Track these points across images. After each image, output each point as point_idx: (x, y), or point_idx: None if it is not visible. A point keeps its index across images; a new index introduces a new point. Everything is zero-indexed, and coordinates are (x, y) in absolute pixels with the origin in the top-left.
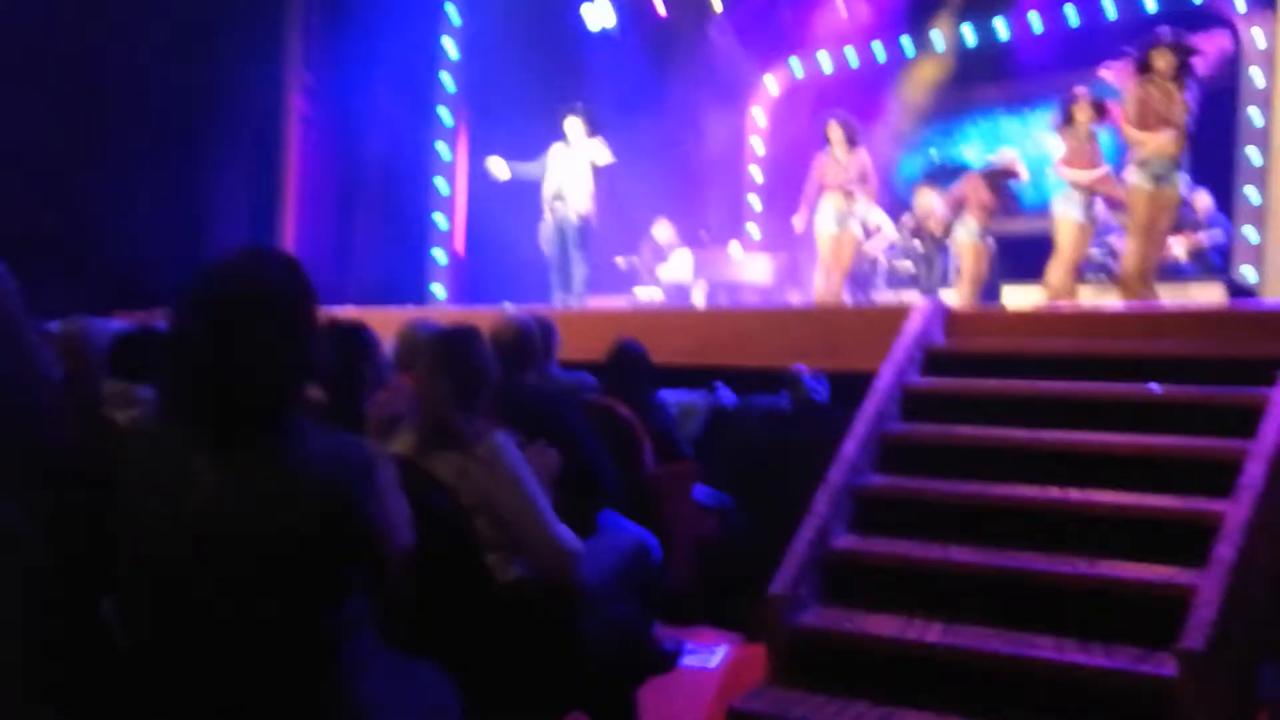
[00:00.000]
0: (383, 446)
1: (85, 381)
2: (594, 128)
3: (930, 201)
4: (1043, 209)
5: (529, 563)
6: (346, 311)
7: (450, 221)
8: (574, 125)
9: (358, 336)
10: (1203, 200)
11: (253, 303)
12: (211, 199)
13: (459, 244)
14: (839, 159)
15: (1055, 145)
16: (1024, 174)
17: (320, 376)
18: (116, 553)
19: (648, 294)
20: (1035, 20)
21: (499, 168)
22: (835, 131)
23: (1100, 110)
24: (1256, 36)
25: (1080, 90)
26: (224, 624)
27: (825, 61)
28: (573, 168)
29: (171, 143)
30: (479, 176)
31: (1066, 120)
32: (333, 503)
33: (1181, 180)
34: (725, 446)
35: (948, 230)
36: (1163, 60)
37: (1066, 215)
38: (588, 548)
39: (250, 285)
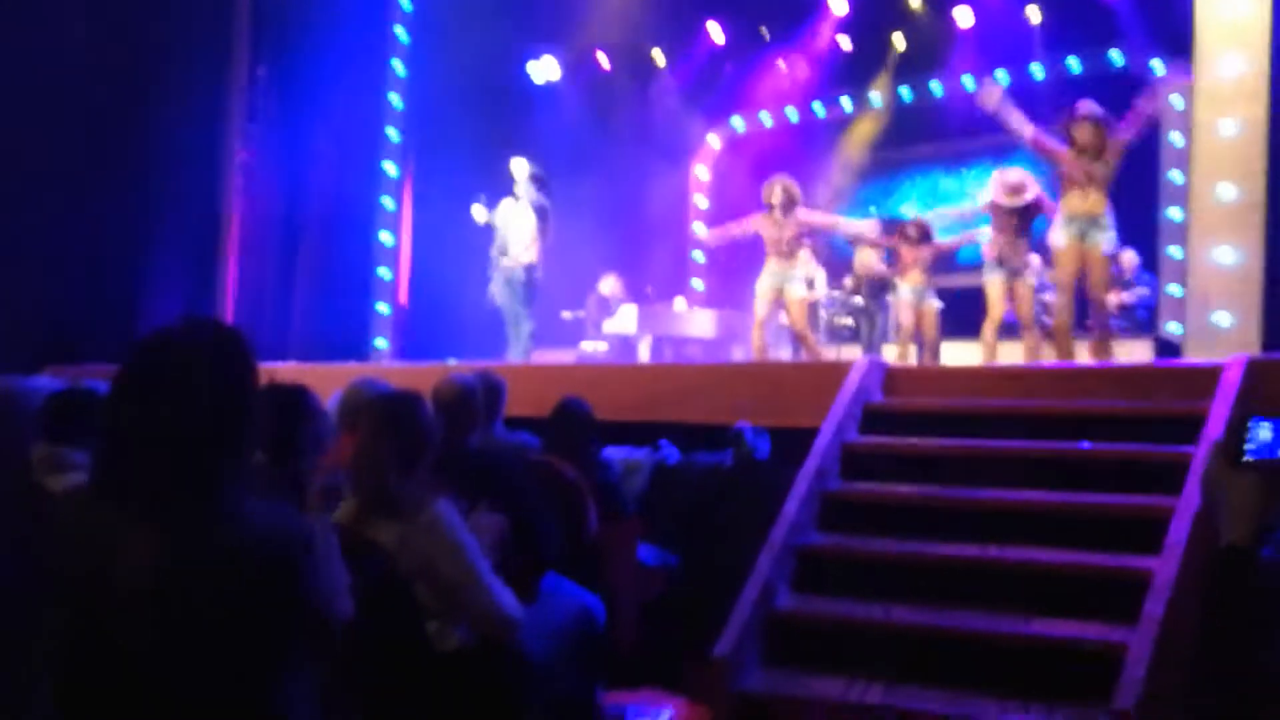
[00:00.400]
0: (323, 512)
1: (14, 445)
2: (540, 181)
3: (870, 259)
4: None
5: (471, 630)
6: (288, 368)
7: (394, 274)
8: (520, 173)
9: (298, 400)
10: (1129, 258)
11: (188, 374)
12: (149, 251)
13: (403, 296)
14: (777, 220)
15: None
16: (923, 216)
17: (260, 440)
18: (45, 627)
19: (593, 348)
20: (968, 81)
21: (480, 213)
22: (775, 195)
23: (1035, 207)
24: (1175, 100)
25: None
26: (162, 701)
27: (766, 118)
28: (519, 221)
29: (108, 193)
30: (423, 228)
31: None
32: (272, 575)
33: (1107, 239)
34: (669, 504)
35: (887, 287)
36: (1082, 133)
37: (991, 273)
38: (531, 615)
39: (186, 356)
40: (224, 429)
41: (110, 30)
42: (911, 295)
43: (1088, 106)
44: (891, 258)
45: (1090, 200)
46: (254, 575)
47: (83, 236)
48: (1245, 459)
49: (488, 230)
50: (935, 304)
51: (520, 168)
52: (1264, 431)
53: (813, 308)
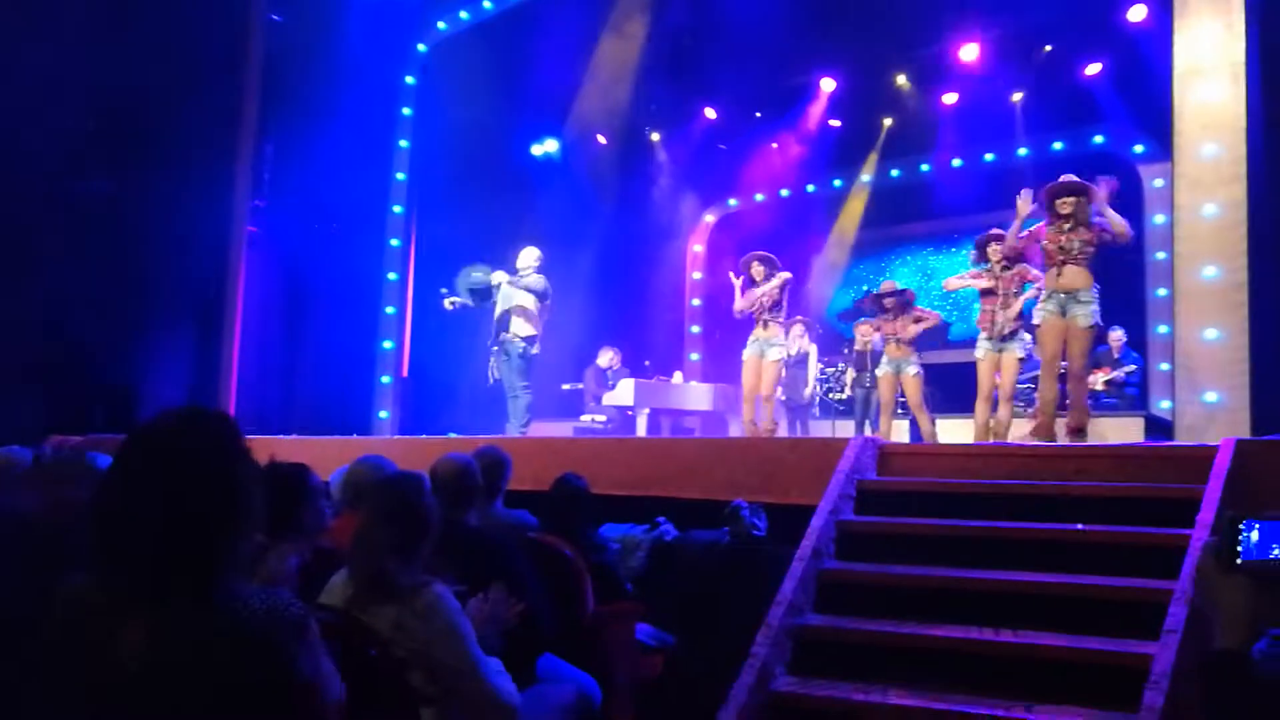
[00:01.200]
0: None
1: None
2: (539, 262)
3: (868, 335)
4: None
5: (466, 717)
6: (291, 441)
7: (397, 345)
8: (528, 260)
9: (298, 480)
10: (1116, 336)
11: (182, 467)
12: (154, 322)
13: (405, 368)
14: (756, 292)
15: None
16: (909, 292)
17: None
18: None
19: (591, 420)
20: (956, 161)
21: (449, 303)
22: (756, 267)
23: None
24: (1157, 182)
25: (995, 231)
26: None
27: (760, 196)
28: (518, 297)
29: (115, 266)
30: (425, 300)
31: (981, 256)
32: (266, 662)
33: (1093, 314)
34: (666, 582)
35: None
36: (1063, 206)
37: (981, 348)
38: (527, 698)
39: (180, 450)
40: (215, 517)
41: (121, 104)
42: (890, 368)
43: (1068, 179)
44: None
45: (1068, 275)
46: (245, 660)
47: (89, 308)
48: (1238, 562)
49: (489, 304)
50: (913, 370)
51: (529, 256)
52: (1257, 535)
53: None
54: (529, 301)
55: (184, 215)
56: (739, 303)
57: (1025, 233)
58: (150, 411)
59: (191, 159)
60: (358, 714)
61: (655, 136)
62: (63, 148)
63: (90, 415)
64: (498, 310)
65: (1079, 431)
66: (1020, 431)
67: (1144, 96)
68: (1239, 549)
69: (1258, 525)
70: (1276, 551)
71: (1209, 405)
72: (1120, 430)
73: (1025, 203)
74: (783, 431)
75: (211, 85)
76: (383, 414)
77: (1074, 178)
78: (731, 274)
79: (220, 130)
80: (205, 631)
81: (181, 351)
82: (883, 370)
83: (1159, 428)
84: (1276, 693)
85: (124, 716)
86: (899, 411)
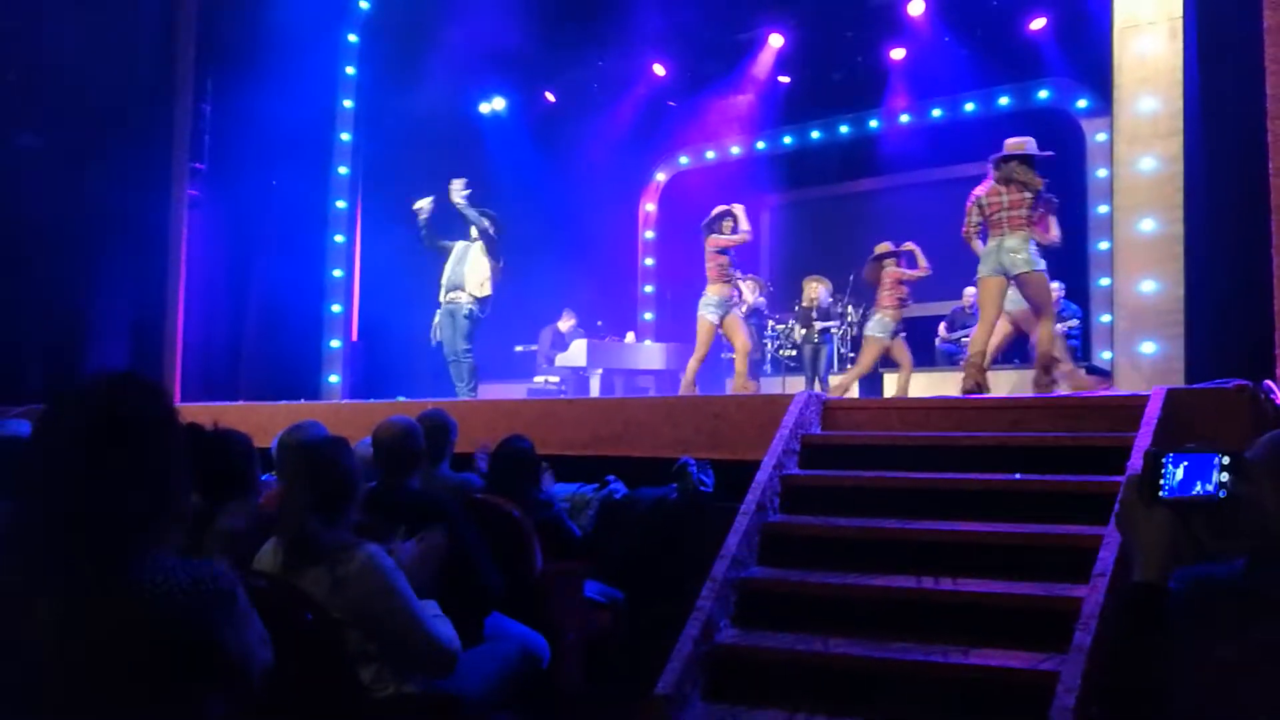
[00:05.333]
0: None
1: None
2: (495, 225)
3: (816, 291)
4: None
5: (408, 669)
6: (238, 408)
7: (346, 309)
8: (458, 192)
9: (234, 445)
10: (1054, 288)
11: (106, 433)
12: (94, 288)
13: (354, 332)
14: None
15: None
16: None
17: (196, 486)
18: None
19: (545, 381)
20: (904, 117)
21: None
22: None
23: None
24: (1100, 136)
25: None
26: None
27: (710, 154)
28: (472, 258)
29: (53, 231)
30: (373, 263)
31: None
32: (190, 634)
33: (1022, 259)
34: (615, 540)
35: (830, 318)
36: (1004, 169)
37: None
38: (473, 655)
39: (105, 415)
40: (137, 485)
41: (46, 56)
42: (881, 331)
43: (1008, 147)
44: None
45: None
46: (164, 634)
47: (26, 274)
48: (1159, 496)
49: (438, 265)
50: (900, 341)
51: (458, 188)
52: (1179, 471)
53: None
54: (486, 264)
55: (119, 175)
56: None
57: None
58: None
59: (127, 120)
60: (295, 679)
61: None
62: None
63: (27, 383)
64: (449, 269)
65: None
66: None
67: (1086, 51)
68: (1161, 483)
69: (1183, 462)
70: (1198, 488)
71: (1146, 355)
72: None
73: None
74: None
75: (145, 42)
76: (333, 378)
77: (1020, 140)
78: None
79: (154, 89)
80: (122, 604)
81: (123, 317)
82: (876, 332)
83: (1101, 374)
84: (1191, 624)
85: (37, 691)
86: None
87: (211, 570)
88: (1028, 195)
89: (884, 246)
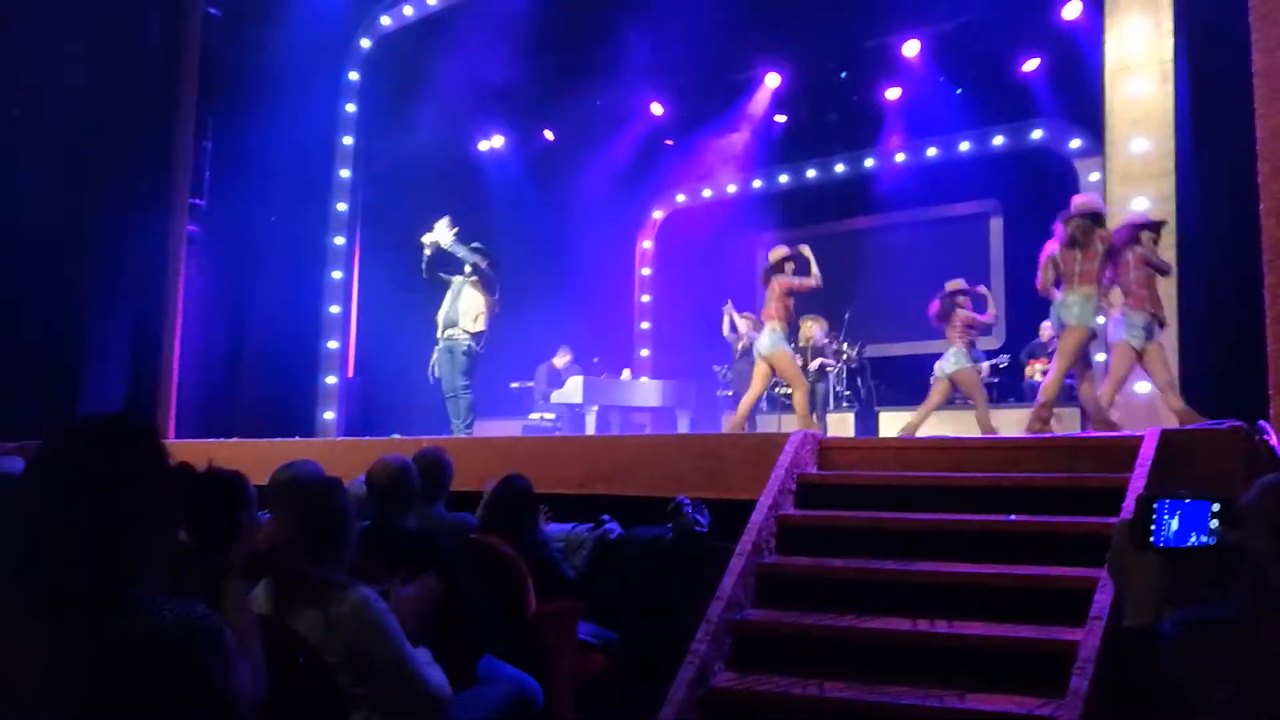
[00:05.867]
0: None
1: None
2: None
3: (812, 330)
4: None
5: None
6: (233, 445)
7: (342, 345)
8: (443, 233)
9: (230, 488)
10: (1045, 327)
11: (95, 476)
12: (91, 323)
13: (350, 369)
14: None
15: None
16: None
17: (190, 526)
18: None
19: (540, 418)
20: (900, 156)
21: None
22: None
23: None
24: (1093, 176)
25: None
26: None
27: (707, 192)
28: (465, 294)
29: (51, 265)
30: (370, 300)
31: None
32: (179, 670)
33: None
34: (610, 580)
35: (825, 356)
36: (1070, 228)
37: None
38: (466, 699)
39: (94, 457)
40: (127, 525)
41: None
42: (960, 363)
43: (1074, 208)
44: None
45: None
46: (154, 671)
47: (23, 310)
48: (1151, 544)
49: (434, 301)
50: (978, 367)
51: (444, 228)
52: (1174, 521)
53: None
54: (480, 300)
55: (120, 213)
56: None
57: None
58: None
59: (128, 156)
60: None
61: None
62: None
63: (23, 419)
64: (446, 305)
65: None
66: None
67: (1078, 92)
68: (1153, 529)
69: (1178, 511)
70: (1192, 539)
71: (1141, 396)
72: (1056, 420)
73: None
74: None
75: (147, 79)
76: (328, 415)
77: (1088, 200)
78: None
79: (156, 127)
80: (107, 640)
81: (120, 353)
82: (957, 366)
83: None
84: (1179, 669)
85: None
86: (844, 405)
87: (198, 609)
88: (1097, 251)
89: (956, 284)
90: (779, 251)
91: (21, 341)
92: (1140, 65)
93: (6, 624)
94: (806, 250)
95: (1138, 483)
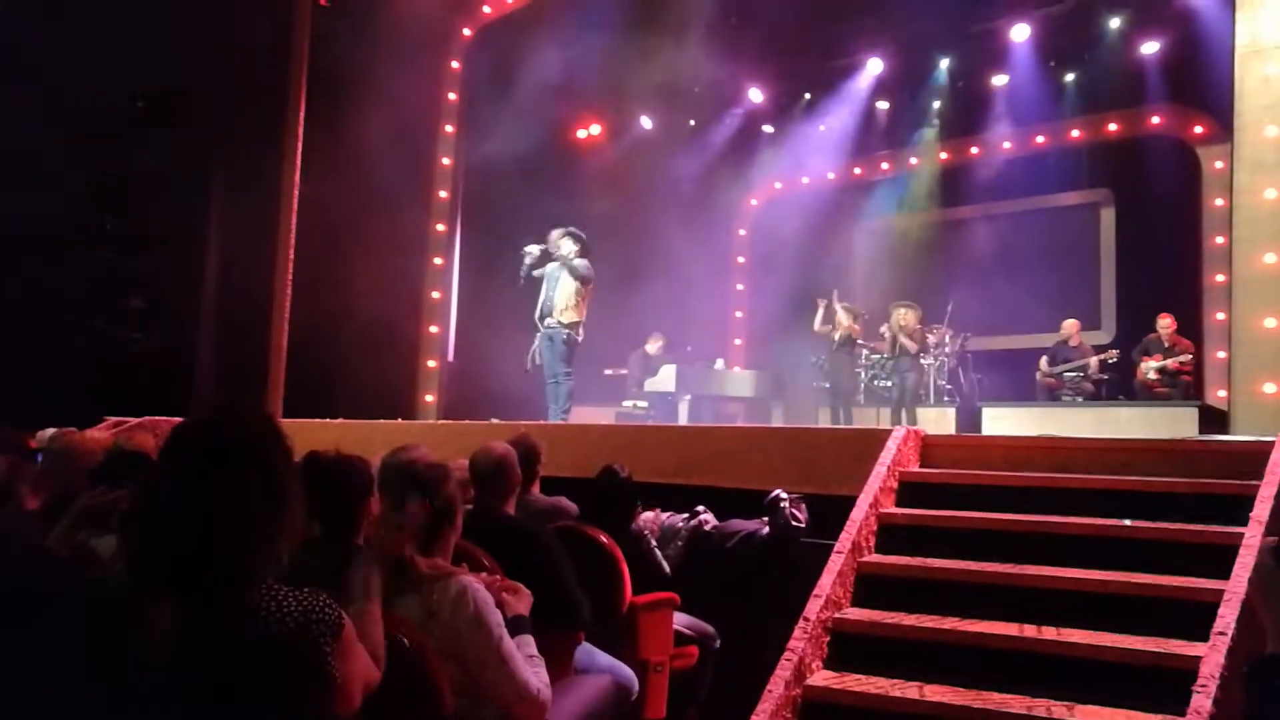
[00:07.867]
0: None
1: (69, 498)
2: (580, 242)
3: (905, 318)
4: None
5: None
6: (336, 425)
7: (442, 330)
8: (563, 244)
9: (355, 471)
10: (1165, 323)
11: (223, 462)
12: (203, 304)
13: (451, 353)
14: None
15: None
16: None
17: (315, 512)
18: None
19: (634, 405)
20: (1006, 143)
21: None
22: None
23: None
24: (1217, 163)
25: None
26: None
27: (805, 178)
28: (561, 283)
29: (164, 246)
30: (472, 284)
31: None
32: (299, 659)
33: None
34: (705, 572)
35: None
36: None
37: None
38: (563, 688)
39: (221, 445)
40: (253, 514)
41: (170, 85)
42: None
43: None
44: None
45: None
46: (273, 658)
47: (140, 289)
48: None
49: (532, 289)
50: None
51: (568, 242)
52: None
53: None
54: (573, 288)
55: (233, 198)
56: None
57: None
58: (204, 391)
59: (238, 141)
60: (391, 703)
61: (698, 120)
62: (112, 127)
63: (143, 396)
64: (542, 295)
65: None
66: None
67: (1202, 76)
68: None
69: None
70: None
71: (1267, 396)
72: (1172, 420)
73: None
74: (826, 420)
75: (260, 67)
76: (428, 398)
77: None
78: None
79: (267, 114)
80: (230, 627)
81: (231, 335)
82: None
83: (1213, 418)
84: None
85: (150, 710)
86: (945, 400)
87: (320, 599)
88: None
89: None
90: None
91: (139, 318)
92: (1275, 47)
93: (134, 604)
94: None
95: (1267, 491)
